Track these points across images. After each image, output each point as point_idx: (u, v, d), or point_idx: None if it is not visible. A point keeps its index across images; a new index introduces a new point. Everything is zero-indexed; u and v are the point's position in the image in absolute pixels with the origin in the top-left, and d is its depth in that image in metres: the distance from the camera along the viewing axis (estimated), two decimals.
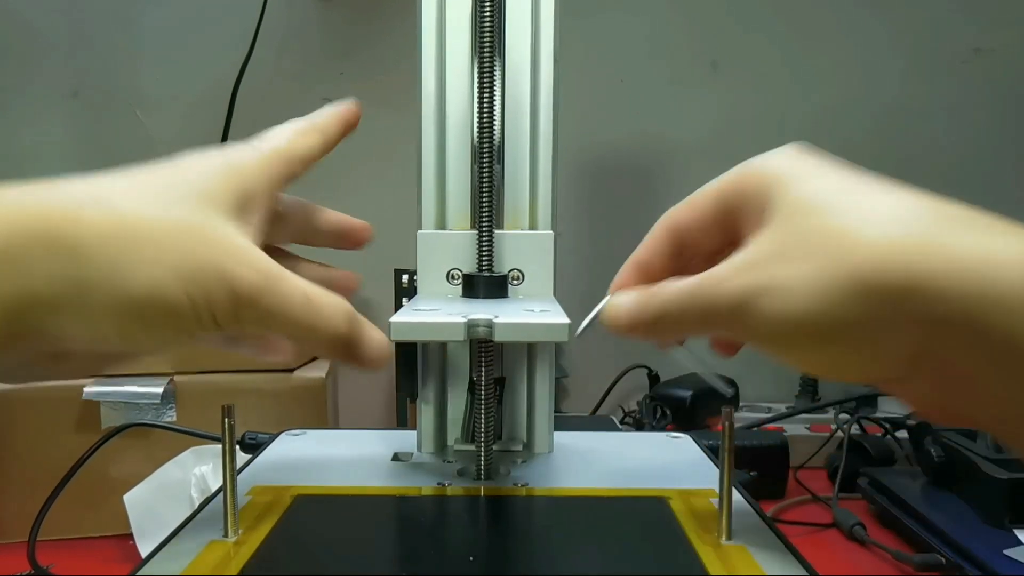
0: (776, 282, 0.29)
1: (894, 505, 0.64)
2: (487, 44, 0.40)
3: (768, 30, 0.91)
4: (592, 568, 0.33)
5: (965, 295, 0.26)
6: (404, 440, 0.47)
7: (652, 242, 0.36)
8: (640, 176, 0.91)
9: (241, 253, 0.31)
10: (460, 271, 0.42)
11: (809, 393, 0.89)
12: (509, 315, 0.34)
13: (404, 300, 0.43)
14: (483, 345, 0.41)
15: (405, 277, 0.43)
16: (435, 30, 0.42)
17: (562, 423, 0.47)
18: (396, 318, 0.33)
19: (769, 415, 0.83)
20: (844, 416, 0.81)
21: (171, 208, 0.31)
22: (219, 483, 0.35)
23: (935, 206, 0.28)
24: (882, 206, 0.29)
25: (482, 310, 0.35)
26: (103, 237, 0.28)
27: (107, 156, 0.89)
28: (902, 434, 0.76)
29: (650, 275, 0.35)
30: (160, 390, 0.64)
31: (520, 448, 0.46)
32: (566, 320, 0.33)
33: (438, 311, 0.35)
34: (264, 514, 0.36)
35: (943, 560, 0.56)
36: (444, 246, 0.42)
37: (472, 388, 0.42)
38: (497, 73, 0.41)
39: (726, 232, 0.34)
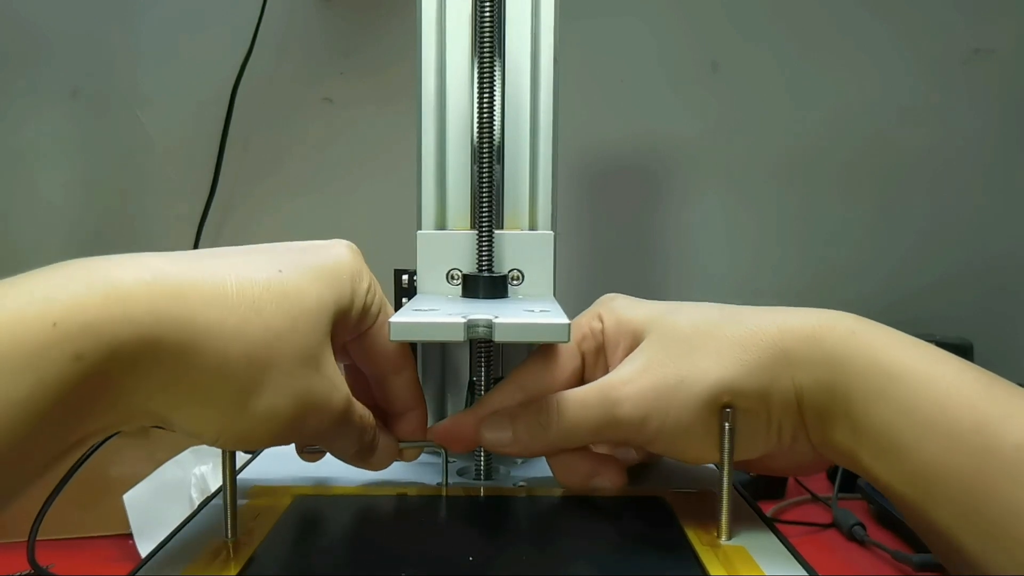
0: (689, 372, 0.34)
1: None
2: (487, 44, 0.40)
3: (768, 31, 0.91)
4: (592, 568, 0.33)
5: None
6: None
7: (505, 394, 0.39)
8: (640, 176, 0.90)
9: (338, 379, 0.32)
10: (460, 271, 0.42)
11: None
12: (509, 315, 0.34)
13: (404, 300, 0.43)
14: (483, 345, 0.41)
15: (405, 277, 0.43)
16: (435, 30, 0.42)
17: None
18: (396, 318, 0.33)
19: None
20: None
21: (299, 330, 0.30)
22: (219, 483, 0.35)
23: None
24: (739, 313, 0.36)
25: (482, 310, 0.35)
26: (233, 359, 0.27)
27: (107, 156, 0.89)
28: None
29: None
30: None
31: None
32: (566, 320, 0.33)
33: (438, 311, 0.35)
34: (264, 514, 0.36)
35: None
36: (444, 246, 0.42)
37: (472, 388, 0.42)
38: (497, 73, 0.41)
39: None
